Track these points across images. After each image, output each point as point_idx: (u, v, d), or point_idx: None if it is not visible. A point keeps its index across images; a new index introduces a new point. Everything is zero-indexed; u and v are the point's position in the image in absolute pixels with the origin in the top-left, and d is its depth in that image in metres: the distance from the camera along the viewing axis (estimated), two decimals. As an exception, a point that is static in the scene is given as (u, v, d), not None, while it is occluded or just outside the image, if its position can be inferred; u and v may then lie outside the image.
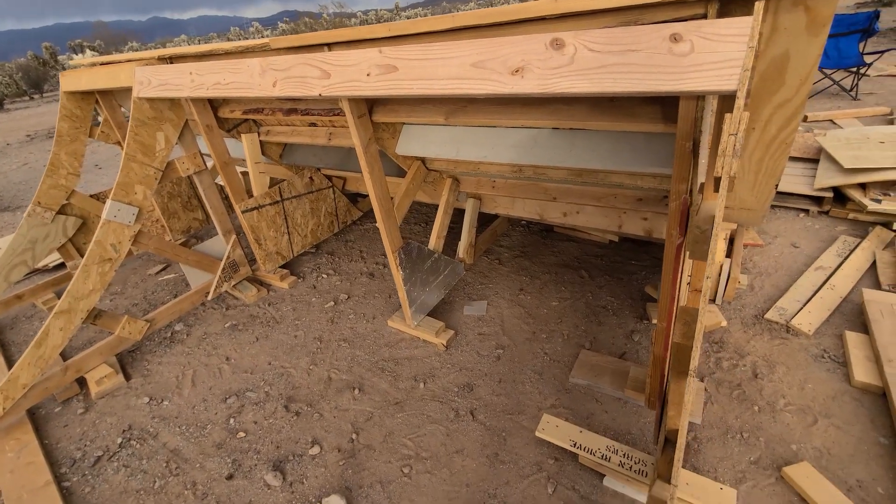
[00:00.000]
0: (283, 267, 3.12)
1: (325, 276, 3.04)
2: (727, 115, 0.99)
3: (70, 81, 3.02)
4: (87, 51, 11.61)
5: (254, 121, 2.87)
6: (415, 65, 1.35)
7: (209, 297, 2.83)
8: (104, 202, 3.43)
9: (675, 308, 1.27)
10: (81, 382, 2.34)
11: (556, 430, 1.67)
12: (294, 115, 2.28)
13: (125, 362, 2.48)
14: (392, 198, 2.10)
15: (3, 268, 2.94)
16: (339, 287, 2.90)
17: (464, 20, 1.41)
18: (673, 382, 1.14)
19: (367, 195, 3.94)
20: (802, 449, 1.60)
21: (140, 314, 2.93)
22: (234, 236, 2.89)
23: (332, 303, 2.75)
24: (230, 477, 1.77)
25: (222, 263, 2.84)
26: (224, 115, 2.64)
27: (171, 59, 2.39)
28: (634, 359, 2.08)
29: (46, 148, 9.30)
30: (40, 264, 3.68)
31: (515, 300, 2.58)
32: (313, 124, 2.52)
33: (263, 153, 3.02)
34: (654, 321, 2.24)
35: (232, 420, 2.03)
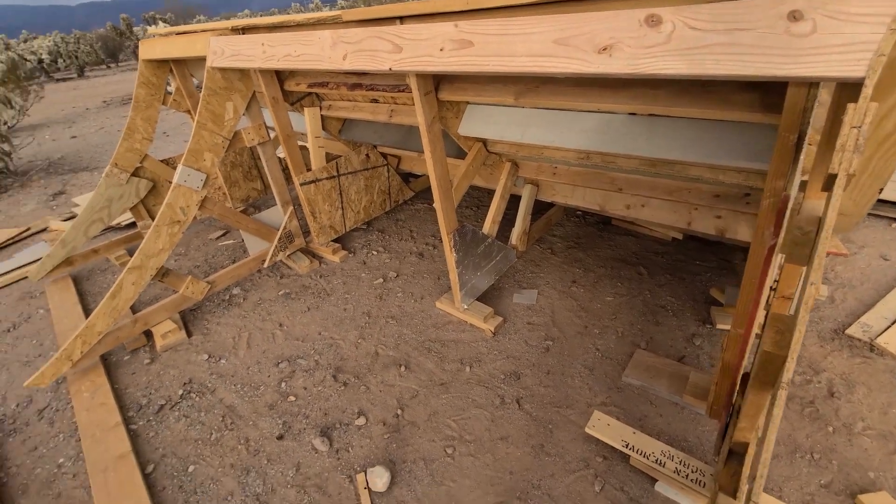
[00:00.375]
0: (334, 241, 3.18)
1: (375, 252, 3.08)
2: (850, 106, 0.88)
3: (148, 50, 3.16)
4: (160, 22, 12.17)
5: (316, 95, 2.90)
6: (492, 40, 1.30)
7: (265, 265, 2.93)
8: (173, 167, 3.61)
9: (756, 314, 1.18)
10: (148, 335, 2.50)
11: (607, 429, 1.61)
12: (358, 91, 2.28)
13: (187, 320, 2.62)
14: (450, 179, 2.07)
15: (82, 223, 3.17)
16: (389, 265, 2.93)
17: (547, -6, 1.33)
18: (751, 393, 1.06)
19: (420, 175, 3.94)
20: (882, 477, 1.46)
21: (201, 276, 3.08)
22: (291, 207, 2.97)
23: (381, 280, 2.78)
24: (280, 437, 1.85)
25: (279, 233, 2.93)
26: (290, 88, 2.69)
27: (244, 30, 2.44)
28: (694, 364, 1.98)
29: (121, 114, 9.91)
30: (114, 222, 3.95)
31: (567, 292, 2.51)
32: (375, 100, 2.52)
33: (323, 128, 3.06)
34: (719, 326, 2.12)
35: (283, 384, 2.11)
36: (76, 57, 21.99)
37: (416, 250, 3.06)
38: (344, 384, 2.07)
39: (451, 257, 2.18)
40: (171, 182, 3.59)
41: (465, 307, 2.35)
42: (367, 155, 3.18)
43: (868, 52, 0.88)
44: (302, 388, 2.08)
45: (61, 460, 1.85)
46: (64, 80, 19.66)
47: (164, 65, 3.34)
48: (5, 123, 6.25)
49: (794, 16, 0.93)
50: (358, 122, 3.04)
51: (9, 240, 3.92)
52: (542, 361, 2.08)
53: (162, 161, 3.52)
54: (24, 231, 4.07)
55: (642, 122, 1.56)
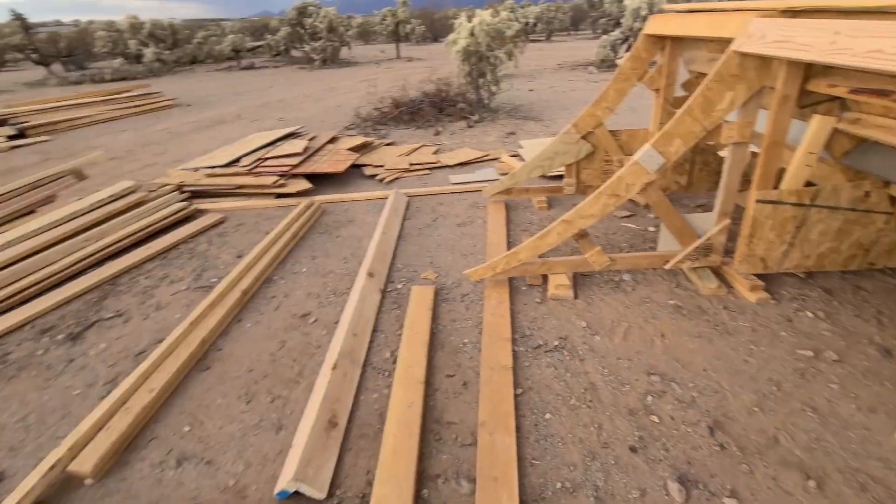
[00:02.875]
0: (756, 275, 2.64)
1: (809, 314, 2.38)
2: None
3: (656, 25, 3.21)
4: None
5: (841, 102, 2.28)
6: None
7: (666, 266, 2.75)
8: (617, 139, 3.78)
9: None
10: (544, 279, 2.82)
11: None
12: (952, 112, 1.59)
13: (577, 282, 2.79)
14: None
15: (529, 166, 3.78)
16: (828, 340, 2.20)
17: None
18: None
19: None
20: None
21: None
22: (727, 221, 2.60)
23: (811, 353, 2.13)
24: (633, 450, 1.74)
25: (699, 242, 2.64)
26: (813, 88, 2.19)
27: (796, 13, 2.06)
28: None
29: (568, 77, 11.35)
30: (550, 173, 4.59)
31: None
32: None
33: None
34: None
35: (650, 398, 1.96)
36: (550, 22, 26.32)
37: (880, 342, 2.17)
38: (721, 446, 1.73)
39: None
40: (607, 152, 3.80)
41: (965, 474, 1.50)
42: (866, 192, 2.37)
43: None
44: (668, 415, 1.88)
45: (466, 340, 2.36)
46: (534, 41, 24.12)
47: (659, 41, 3.37)
48: (496, 70, 8.17)
49: None
50: (884, 148, 2.24)
51: (475, 159, 5.21)
52: None
53: (610, 132, 3.72)
54: (485, 156, 5.31)
55: None
